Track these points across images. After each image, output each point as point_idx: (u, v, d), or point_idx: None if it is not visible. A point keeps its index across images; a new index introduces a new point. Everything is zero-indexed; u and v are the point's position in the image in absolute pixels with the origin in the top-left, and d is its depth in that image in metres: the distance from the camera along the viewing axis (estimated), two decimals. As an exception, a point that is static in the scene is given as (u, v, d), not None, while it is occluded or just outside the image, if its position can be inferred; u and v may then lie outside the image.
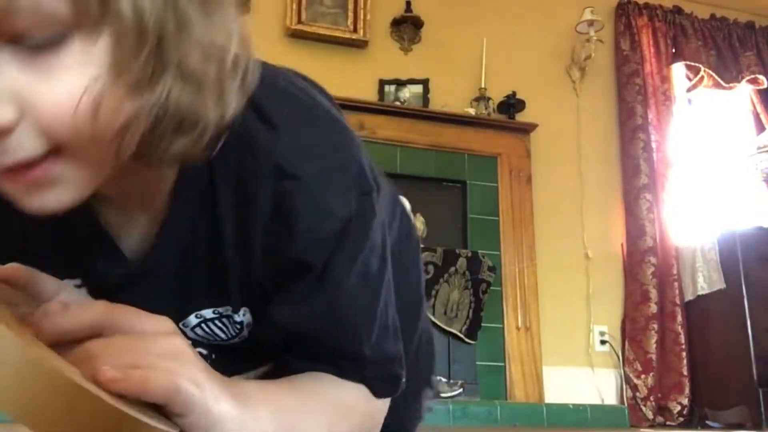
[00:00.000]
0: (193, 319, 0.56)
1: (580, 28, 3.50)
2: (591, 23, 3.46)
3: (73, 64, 0.35)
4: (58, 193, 0.39)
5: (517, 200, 3.22)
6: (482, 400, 2.71)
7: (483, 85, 3.32)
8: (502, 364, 2.95)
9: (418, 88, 3.28)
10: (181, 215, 0.49)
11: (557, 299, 3.20)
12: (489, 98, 3.32)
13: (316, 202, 0.47)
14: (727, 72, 3.71)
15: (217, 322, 0.56)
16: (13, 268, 0.43)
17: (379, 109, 3.13)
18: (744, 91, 3.81)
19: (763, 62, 3.81)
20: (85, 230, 0.50)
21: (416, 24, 3.40)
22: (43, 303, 0.37)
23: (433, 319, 2.71)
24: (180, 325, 0.55)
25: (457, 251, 2.83)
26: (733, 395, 2.90)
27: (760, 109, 3.78)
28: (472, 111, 3.28)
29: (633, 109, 3.53)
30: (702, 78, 3.68)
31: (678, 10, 3.79)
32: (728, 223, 3.32)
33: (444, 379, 2.56)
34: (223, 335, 0.57)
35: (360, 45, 3.31)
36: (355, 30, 3.28)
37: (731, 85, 3.70)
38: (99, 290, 0.53)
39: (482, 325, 2.81)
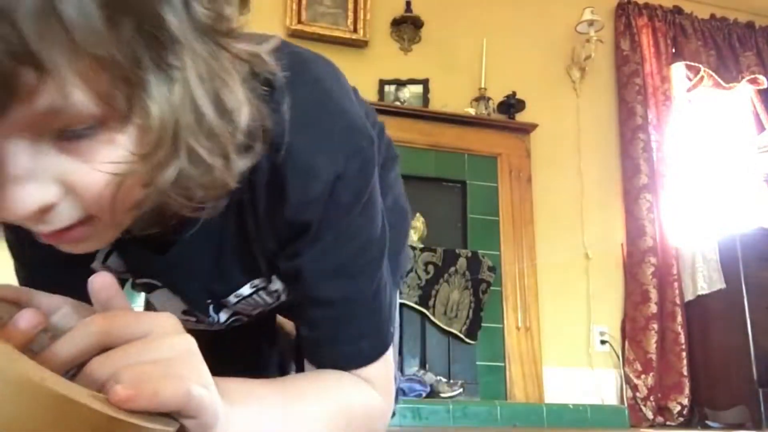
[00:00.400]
0: (232, 299, 0.63)
1: (580, 28, 3.50)
2: (591, 23, 3.46)
3: (105, 150, 0.40)
4: (89, 244, 0.46)
5: (517, 200, 3.22)
6: (482, 400, 2.71)
7: (483, 85, 3.32)
8: (502, 364, 2.95)
9: (418, 88, 3.28)
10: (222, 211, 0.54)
11: (557, 299, 3.20)
12: (489, 98, 3.32)
13: (303, 167, 0.52)
14: (727, 72, 3.71)
15: (255, 297, 0.63)
16: (9, 288, 0.44)
17: (379, 109, 3.09)
18: (744, 91, 3.81)
19: (763, 62, 3.81)
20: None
21: (416, 24, 3.40)
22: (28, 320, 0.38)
23: (433, 319, 2.71)
24: (222, 302, 0.63)
25: (457, 251, 2.83)
26: (733, 395, 2.90)
27: (760, 109, 3.78)
28: (472, 111, 3.28)
29: (633, 109, 3.53)
30: (702, 78, 3.68)
31: (678, 10, 3.79)
32: (728, 223, 3.32)
33: (444, 379, 2.56)
34: (263, 303, 0.64)
35: (360, 45, 3.31)
36: (355, 30, 3.28)
37: (731, 85, 3.70)
38: (141, 276, 0.60)
39: (482, 325, 2.81)
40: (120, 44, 0.35)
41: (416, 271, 2.71)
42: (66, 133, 0.38)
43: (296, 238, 0.55)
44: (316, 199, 0.52)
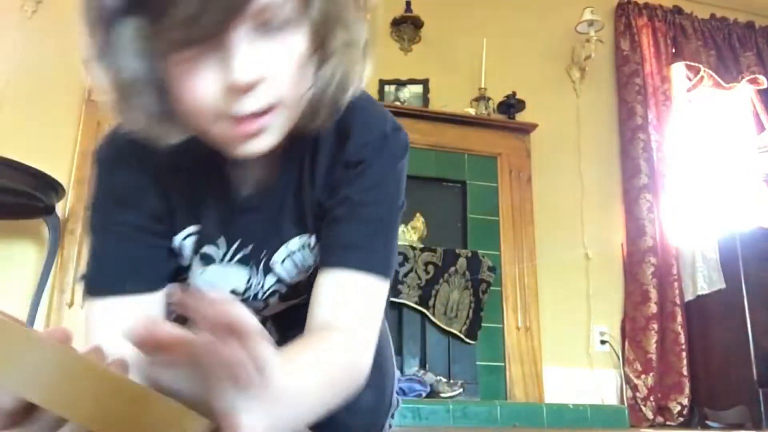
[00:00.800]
0: (283, 251, 0.73)
1: (580, 28, 3.50)
2: (591, 23, 3.46)
3: (294, 41, 0.54)
4: (265, 139, 0.57)
5: (517, 200, 3.21)
6: (482, 400, 2.71)
7: (483, 85, 3.32)
8: (502, 364, 2.95)
9: (418, 88, 3.28)
10: (291, 157, 0.69)
11: (557, 299, 3.20)
12: (489, 98, 3.32)
13: (364, 121, 0.70)
14: (727, 72, 3.71)
15: (298, 254, 0.73)
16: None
17: (379, 109, 3.13)
18: (744, 91, 3.81)
19: (763, 62, 3.81)
20: (214, 183, 0.69)
21: (416, 24, 3.40)
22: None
23: (433, 319, 2.71)
24: (273, 258, 0.73)
25: (457, 251, 2.83)
26: (733, 395, 2.90)
27: (760, 109, 3.77)
28: (472, 111, 3.28)
29: (633, 109, 3.53)
30: (702, 78, 3.68)
31: (678, 10, 3.79)
32: (728, 223, 3.32)
33: (444, 379, 2.55)
34: (303, 267, 0.74)
35: (360, 45, 3.30)
36: (355, 30, 3.28)
37: (731, 85, 3.70)
38: (210, 241, 0.71)
39: (482, 325, 2.81)
40: None
41: (416, 271, 2.71)
42: (267, 26, 0.52)
43: (348, 177, 0.68)
44: (371, 143, 0.69)
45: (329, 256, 0.67)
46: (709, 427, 3.00)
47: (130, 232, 0.67)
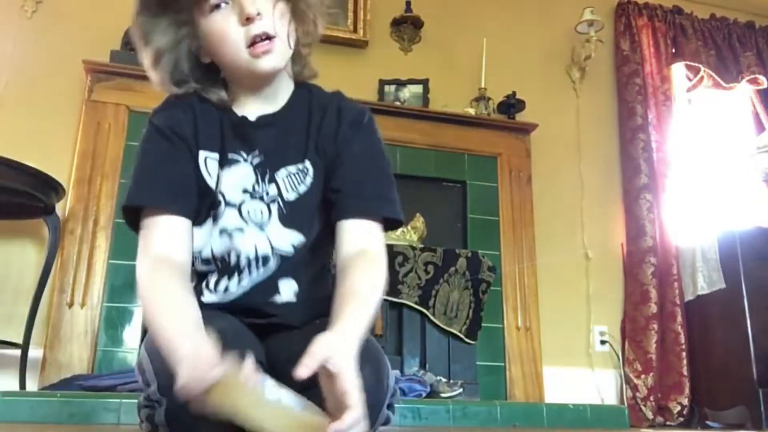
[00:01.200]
0: (284, 171, 0.94)
1: (580, 28, 3.50)
2: (591, 23, 3.46)
3: (283, 6, 0.89)
4: (273, 57, 0.87)
5: (517, 200, 3.21)
6: (482, 400, 2.71)
7: (483, 85, 3.32)
8: (502, 364, 2.95)
9: (418, 88, 3.28)
10: (294, 106, 0.97)
11: (557, 299, 3.20)
12: (489, 98, 3.32)
13: (354, 106, 0.99)
14: (727, 72, 3.71)
15: (296, 175, 0.94)
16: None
17: (379, 109, 3.12)
18: (744, 91, 3.81)
19: (763, 62, 3.81)
20: (231, 121, 0.94)
21: (416, 24, 3.40)
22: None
23: (433, 319, 2.71)
24: (276, 172, 0.94)
25: (457, 251, 2.83)
26: (733, 395, 2.90)
27: (760, 109, 3.78)
28: (472, 111, 3.28)
29: (633, 109, 3.53)
30: (702, 78, 3.68)
31: (678, 10, 3.79)
32: (728, 223, 3.32)
33: (444, 379, 2.55)
34: (297, 185, 0.94)
35: (360, 45, 3.31)
36: (355, 30, 3.28)
37: (731, 85, 3.70)
38: (235, 150, 0.94)
39: (482, 325, 2.81)
40: None
41: (416, 271, 2.71)
42: None
43: (355, 134, 0.95)
44: (365, 113, 0.98)
45: (356, 204, 0.91)
46: (709, 427, 3.00)
47: (174, 154, 0.90)
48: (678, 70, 3.71)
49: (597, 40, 3.49)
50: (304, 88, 0.98)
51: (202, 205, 0.91)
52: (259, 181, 0.93)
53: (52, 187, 2.36)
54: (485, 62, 3.34)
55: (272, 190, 0.94)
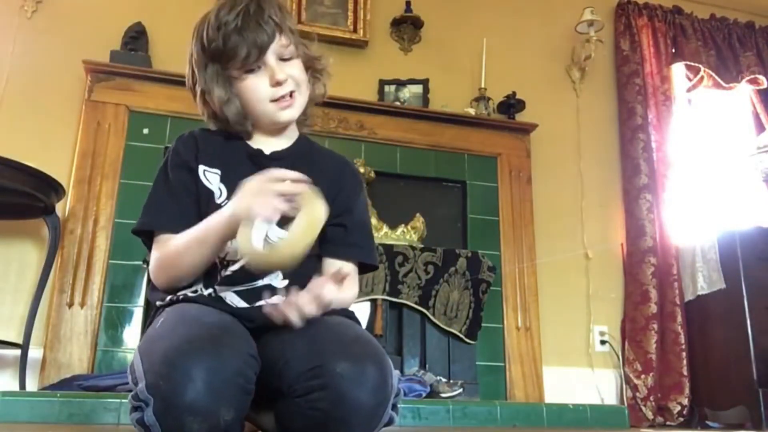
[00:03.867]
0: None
1: (580, 28, 3.50)
2: (591, 23, 3.46)
3: (296, 64, 1.09)
4: (293, 110, 1.08)
5: (517, 200, 3.21)
6: (482, 400, 2.71)
7: (483, 85, 3.32)
8: (502, 364, 2.95)
9: (418, 88, 3.28)
10: (300, 147, 1.15)
11: (557, 299, 3.20)
12: (489, 98, 3.32)
13: (354, 171, 1.21)
14: (727, 72, 3.71)
15: None
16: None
17: (379, 109, 3.13)
18: (744, 91, 3.81)
19: (763, 62, 3.81)
20: (248, 152, 1.11)
21: (416, 24, 3.40)
22: None
23: (433, 319, 2.71)
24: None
25: (457, 251, 2.83)
26: (733, 395, 2.90)
27: (760, 109, 3.78)
28: (472, 111, 3.28)
29: (633, 109, 3.53)
30: (702, 78, 3.68)
31: (678, 10, 3.79)
32: (728, 223, 3.32)
33: (444, 379, 2.55)
34: None
35: (360, 45, 3.31)
36: (355, 30, 3.28)
37: (731, 85, 3.70)
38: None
39: (482, 325, 2.81)
40: (295, 38, 1.09)
41: (416, 271, 2.71)
42: (283, 57, 1.06)
43: (351, 197, 1.14)
44: (356, 175, 1.20)
45: (339, 250, 1.10)
46: (709, 427, 3.00)
47: (183, 186, 1.06)
48: (678, 70, 3.71)
49: (597, 40, 3.49)
50: (304, 138, 1.18)
51: (205, 207, 1.05)
52: None
53: (52, 187, 2.36)
54: (485, 62, 3.34)
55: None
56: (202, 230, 0.96)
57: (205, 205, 1.05)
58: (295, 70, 1.07)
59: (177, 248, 0.99)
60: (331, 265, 1.07)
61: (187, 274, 1.00)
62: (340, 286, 0.90)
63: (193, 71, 1.10)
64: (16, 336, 2.42)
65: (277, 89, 1.05)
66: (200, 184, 1.06)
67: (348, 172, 1.17)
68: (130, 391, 0.82)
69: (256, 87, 1.05)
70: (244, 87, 1.06)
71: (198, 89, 1.09)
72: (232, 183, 1.01)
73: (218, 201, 1.04)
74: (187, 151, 1.09)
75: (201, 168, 1.08)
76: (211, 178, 1.08)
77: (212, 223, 0.95)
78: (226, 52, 1.03)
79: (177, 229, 1.01)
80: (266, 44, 1.03)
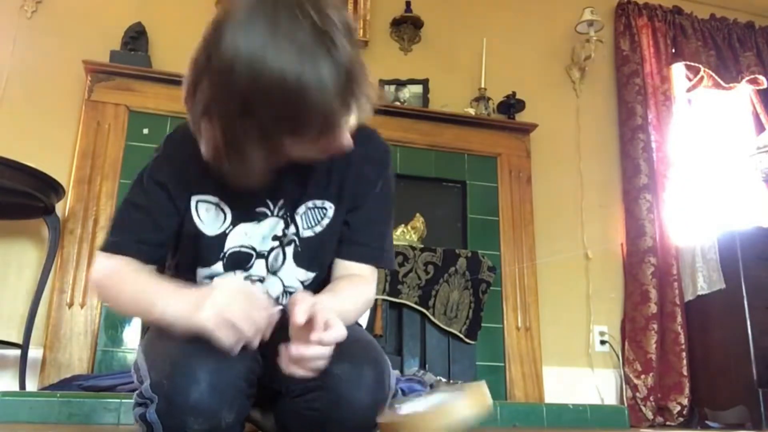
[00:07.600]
0: (303, 208, 0.98)
1: (580, 28, 3.50)
2: (591, 23, 3.46)
3: (351, 120, 0.89)
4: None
5: (517, 200, 3.21)
6: (482, 400, 2.70)
7: (483, 85, 3.32)
8: (502, 364, 2.95)
9: (417, 88, 3.28)
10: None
11: (557, 299, 3.20)
12: (489, 98, 3.32)
13: (379, 144, 1.05)
14: (727, 72, 3.71)
15: (314, 210, 0.98)
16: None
17: (379, 109, 3.12)
18: (744, 91, 3.81)
19: (763, 62, 3.81)
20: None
21: (416, 24, 3.40)
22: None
23: (433, 319, 2.71)
24: (295, 211, 0.98)
25: (457, 251, 2.83)
26: (733, 395, 2.90)
27: (760, 109, 3.77)
28: (471, 111, 3.27)
29: (633, 109, 3.53)
30: (702, 78, 3.68)
31: (678, 10, 3.79)
32: (728, 223, 3.32)
33: (444, 379, 2.55)
34: (314, 220, 0.99)
35: (360, 45, 3.30)
36: (355, 30, 3.28)
37: (731, 85, 3.70)
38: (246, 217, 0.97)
39: (482, 325, 2.81)
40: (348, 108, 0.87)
41: (416, 271, 2.71)
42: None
43: (373, 173, 1.01)
44: (388, 154, 1.05)
45: (358, 251, 1.01)
46: (709, 427, 3.00)
47: (159, 207, 0.92)
48: (678, 70, 3.71)
49: (597, 40, 3.49)
50: None
51: (189, 246, 0.96)
52: (287, 226, 0.98)
53: (52, 187, 2.36)
54: (485, 62, 3.34)
55: (291, 229, 0.98)
56: (159, 309, 0.82)
57: (190, 239, 0.94)
58: (347, 133, 0.87)
59: (127, 288, 0.89)
60: (340, 266, 1.00)
61: (120, 312, 0.96)
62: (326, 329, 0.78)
63: (208, 100, 0.79)
64: (16, 336, 2.42)
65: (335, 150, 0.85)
66: (188, 217, 0.94)
67: (372, 160, 1.00)
68: (131, 391, 0.83)
69: (305, 153, 0.84)
70: (287, 151, 0.82)
71: (204, 120, 0.81)
72: (252, 225, 0.95)
73: (217, 231, 0.94)
74: (174, 172, 0.92)
75: (194, 199, 0.94)
76: (203, 213, 0.94)
77: (172, 311, 0.80)
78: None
79: (147, 259, 0.92)
80: (335, 125, 0.82)
